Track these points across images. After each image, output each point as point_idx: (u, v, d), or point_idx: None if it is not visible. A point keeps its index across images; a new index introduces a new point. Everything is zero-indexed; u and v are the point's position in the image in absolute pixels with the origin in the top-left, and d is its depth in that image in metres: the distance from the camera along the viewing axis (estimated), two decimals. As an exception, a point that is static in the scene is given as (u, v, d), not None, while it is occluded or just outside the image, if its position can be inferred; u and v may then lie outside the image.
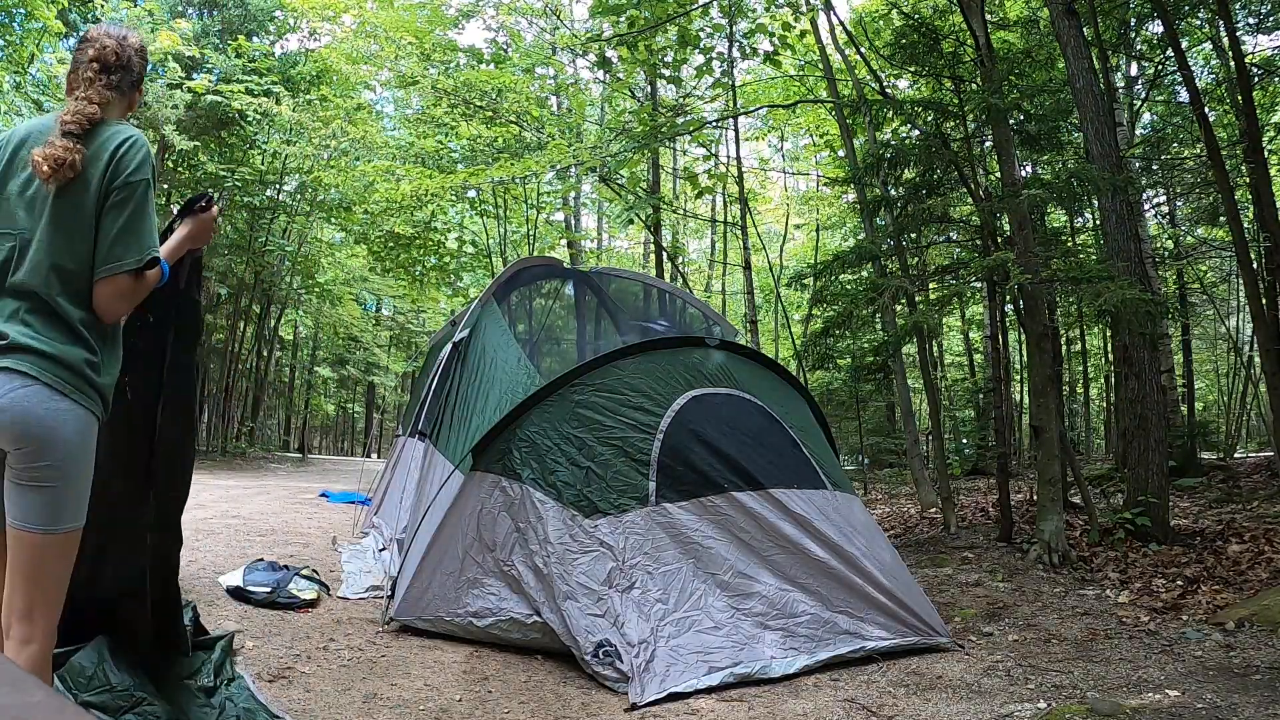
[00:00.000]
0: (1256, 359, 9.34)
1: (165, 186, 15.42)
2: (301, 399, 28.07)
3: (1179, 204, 11.49)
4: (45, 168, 1.68)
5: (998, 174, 6.71)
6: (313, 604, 3.92)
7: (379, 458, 25.14)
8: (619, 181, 12.00)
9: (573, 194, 17.16)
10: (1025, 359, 9.07)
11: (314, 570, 4.34)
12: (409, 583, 3.61)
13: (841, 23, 9.51)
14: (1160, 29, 8.11)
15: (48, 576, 1.67)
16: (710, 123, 11.09)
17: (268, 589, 3.89)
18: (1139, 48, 9.39)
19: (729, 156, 13.96)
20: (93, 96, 1.82)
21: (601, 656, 3.07)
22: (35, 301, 1.69)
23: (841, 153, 12.55)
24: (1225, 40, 7.58)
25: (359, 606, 4.06)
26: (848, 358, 8.19)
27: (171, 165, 15.25)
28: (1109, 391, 13.34)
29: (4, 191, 1.77)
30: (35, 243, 1.71)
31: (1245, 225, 6.95)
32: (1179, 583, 4.57)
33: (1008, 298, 6.76)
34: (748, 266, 10.71)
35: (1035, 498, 6.44)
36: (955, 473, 12.00)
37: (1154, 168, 9.60)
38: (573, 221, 18.40)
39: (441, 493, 3.75)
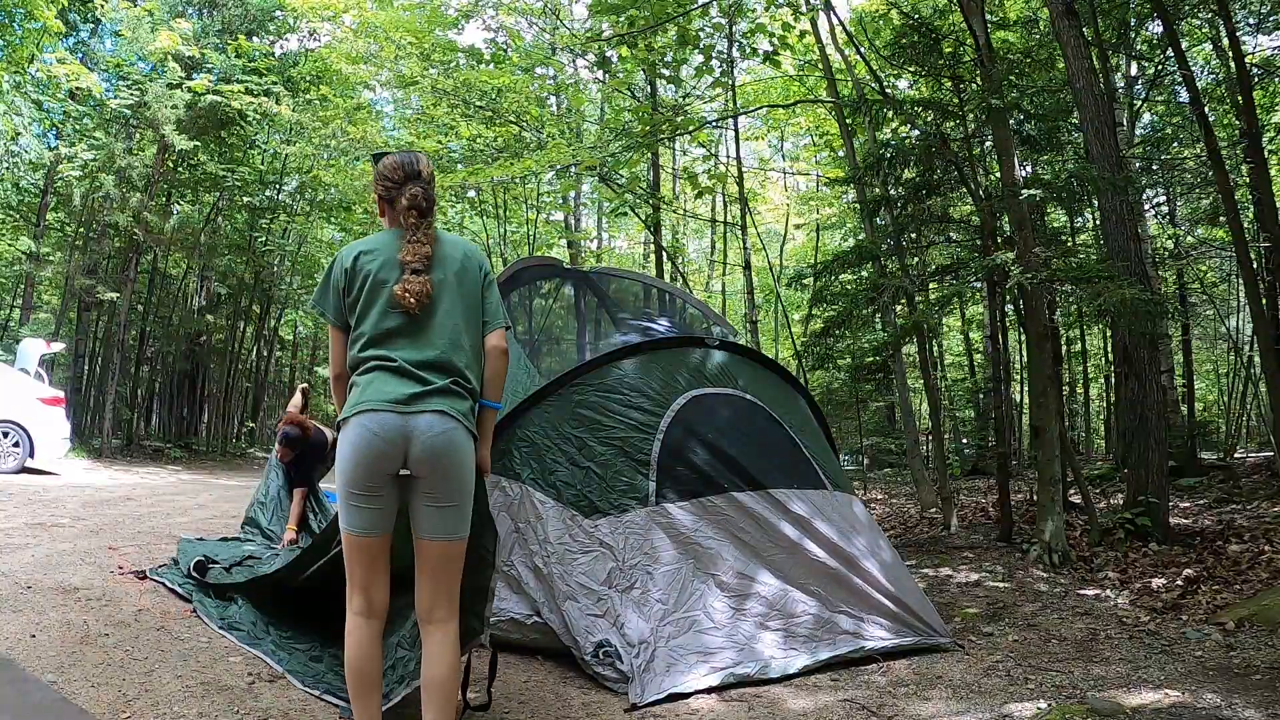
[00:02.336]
0: (1256, 359, 9.34)
1: (165, 186, 15.42)
2: (301, 399, 27.99)
3: (1179, 204, 11.48)
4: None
5: (998, 174, 6.71)
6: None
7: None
8: (619, 181, 12.00)
9: (573, 194, 17.15)
10: (1025, 359, 9.07)
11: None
12: (409, 583, 3.60)
13: (841, 23, 9.51)
14: (1160, 29, 8.10)
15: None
16: (710, 123, 11.09)
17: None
18: (1139, 48, 9.38)
19: (729, 156, 13.98)
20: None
21: (601, 657, 3.07)
22: None
23: (841, 153, 12.55)
24: (1225, 40, 7.57)
25: (359, 606, 4.05)
26: (848, 358, 8.19)
27: (171, 165, 15.24)
28: (1109, 391, 13.34)
29: None
30: None
31: (1245, 225, 6.95)
32: (1179, 583, 4.57)
33: (1008, 298, 6.76)
34: (748, 266, 10.71)
35: (1035, 498, 6.44)
36: (955, 473, 12.00)
37: (1154, 168, 9.59)
38: (573, 221, 18.40)
39: (441, 493, 3.74)
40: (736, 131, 12.09)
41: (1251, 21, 8.20)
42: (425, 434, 2.10)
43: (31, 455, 9.16)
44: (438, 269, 2.24)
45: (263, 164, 17.97)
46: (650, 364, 3.79)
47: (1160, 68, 9.31)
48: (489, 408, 2.34)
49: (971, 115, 6.62)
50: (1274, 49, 9.99)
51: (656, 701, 2.90)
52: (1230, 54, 6.95)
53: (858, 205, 9.77)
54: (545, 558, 3.31)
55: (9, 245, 16.44)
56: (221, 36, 14.56)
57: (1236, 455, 10.44)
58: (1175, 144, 9.57)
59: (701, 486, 3.51)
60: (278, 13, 15.57)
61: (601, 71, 11.19)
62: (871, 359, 7.84)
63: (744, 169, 11.87)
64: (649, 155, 11.87)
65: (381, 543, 2.17)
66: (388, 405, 2.10)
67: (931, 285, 7.95)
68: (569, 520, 3.35)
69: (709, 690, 3.03)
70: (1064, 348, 11.81)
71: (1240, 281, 9.47)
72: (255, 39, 15.65)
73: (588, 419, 3.58)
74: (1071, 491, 6.71)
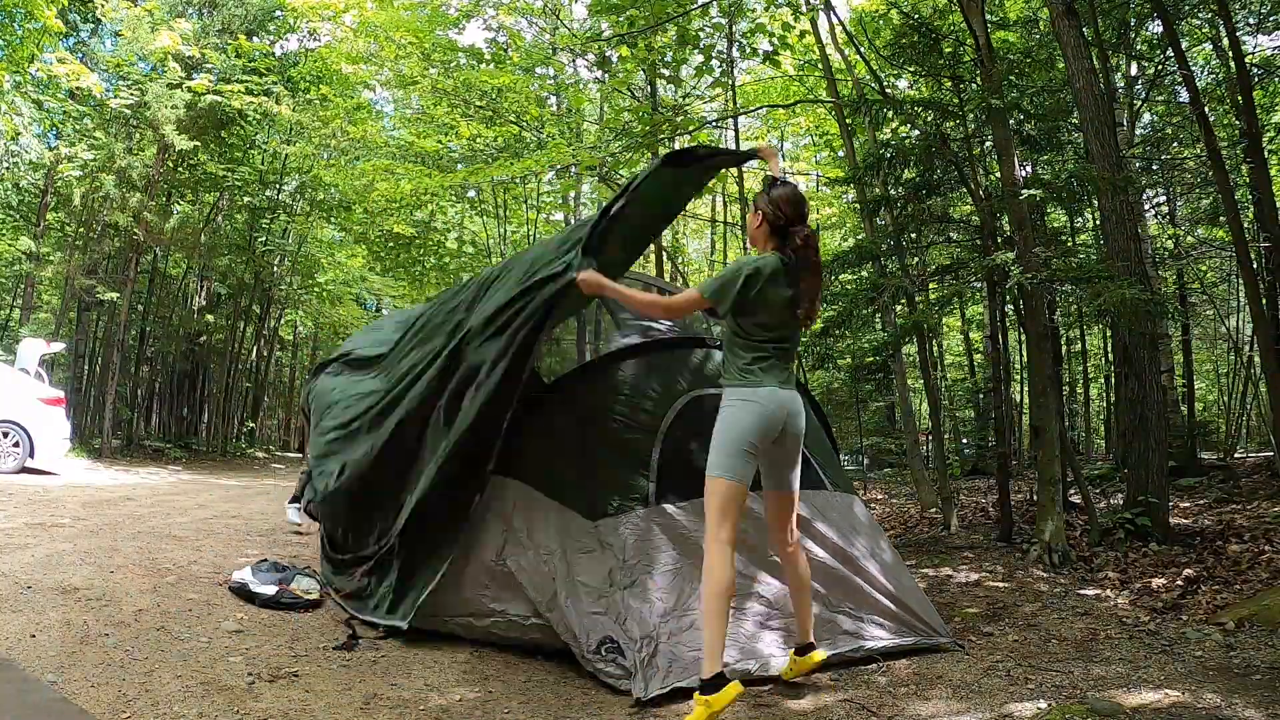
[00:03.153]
0: (1256, 359, 9.33)
1: (165, 186, 15.42)
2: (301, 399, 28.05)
3: (1179, 204, 11.47)
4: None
5: (998, 174, 6.71)
6: (316, 604, 3.92)
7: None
8: (619, 181, 12.00)
9: (572, 194, 17.16)
10: (1025, 359, 9.07)
11: (313, 570, 4.34)
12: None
13: (841, 23, 9.51)
14: (1160, 29, 8.10)
15: None
16: (710, 123, 11.09)
17: (273, 589, 3.89)
18: (1139, 48, 9.37)
19: (729, 156, 13.93)
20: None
21: (604, 653, 3.07)
22: None
23: (841, 153, 12.55)
24: (1225, 40, 7.57)
25: (359, 606, 4.05)
26: (848, 358, 8.18)
27: (171, 165, 15.24)
28: (1109, 391, 13.33)
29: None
30: None
31: (1245, 225, 6.94)
32: (1179, 583, 4.56)
33: (1008, 298, 6.75)
34: (748, 266, 10.69)
35: (1035, 498, 6.44)
36: (955, 473, 12.00)
37: (1154, 168, 9.59)
38: (572, 221, 18.40)
39: (442, 493, 3.74)
40: (736, 131, 12.11)
41: (1251, 21, 8.19)
42: (794, 408, 2.91)
43: (32, 455, 9.17)
44: None
45: (263, 164, 17.97)
46: (651, 364, 3.79)
47: (1160, 68, 9.30)
48: None
49: (971, 115, 6.61)
50: (1274, 49, 9.99)
51: (660, 696, 2.90)
52: (1230, 54, 6.95)
53: (858, 205, 9.76)
54: (547, 557, 3.32)
55: (9, 245, 16.45)
56: (221, 36, 14.56)
57: (1236, 455, 10.44)
58: (1175, 144, 9.56)
59: (702, 487, 3.51)
60: (278, 13, 15.56)
61: (601, 71, 11.20)
62: (871, 359, 7.84)
63: (744, 169, 11.87)
64: (649, 155, 11.88)
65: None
66: (777, 392, 2.85)
67: (931, 285, 7.94)
68: (570, 521, 3.36)
69: (709, 689, 3.03)
70: (1064, 348, 11.81)
71: (1240, 281, 9.46)
72: (255, 39, 15.65)
73: (589, 420, 3.58)
74: (1071, 491, 6.71)
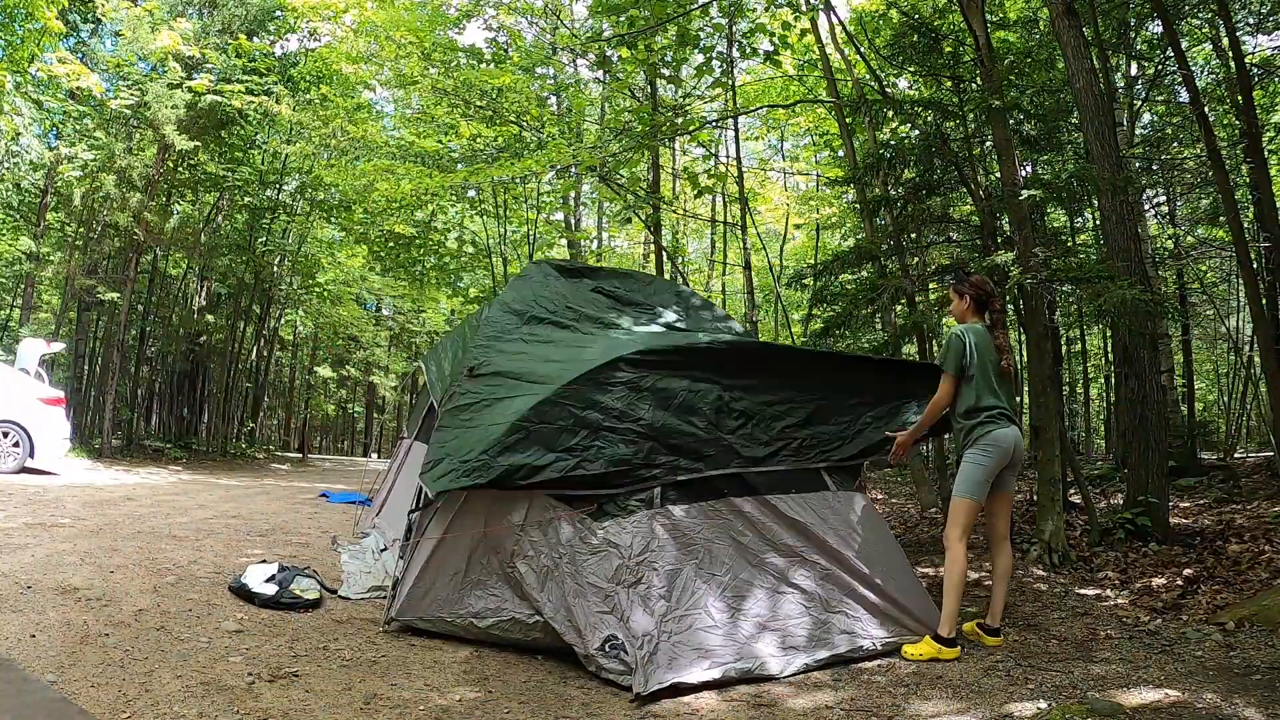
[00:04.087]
0: (1256, 359, 9.32)
1: (165, 186, 15.42)
2: (301, 399, 28.03)
3: (1179, 204, 11.46)
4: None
5: (998, 174, 6.70)
6: (316, 604, 3.93)
7: (380, 457, 25.12)
8: (619, 181, 12.01)
9: (572, 194, 17.16)
10: (1025, 359, 9.06)
11: (313, 570, 4.34)
12: (411, 583, 3.61)
13: (841, 22, 9.50)
14: (1160, 29, 8.10)
15: None
16: (710, 123, 11.09)
17: (273, 589, 3.90)
18: (1139, 48, 9.36)
19: (729, 156, 13.98)
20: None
21: (608, 650, 3.11)
22: None
23: (841, 153, 12.55)
24: (1225, 40, 7.57)
25: (360, 607, 4.06)
26: (848, 358, 8.13)
27: (171, 165, 15.24)
28: (1109, 391, 13.32)
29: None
30: None
31: (1245, 225, 6.94)
32: (1179, 583, 4.57)
33: (1008, 298, 6.75)
34: (748, 266, 10.71)
35: (1035, 498, 6.43)
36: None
37: (1154, 168, 9.58)
38: (573, 221, 18.40)
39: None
40: (736, 131, 12.11)
41: (1251, 21, 8.18)
42: (1018, 441, 3.68)
43: (32, 455, 9.16)
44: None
45: (263, 164, 17.96)
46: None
47: (1160, 68, 9.29)
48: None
49: (971, 115, 6.61)
50: (1274, 49, 9.97)
51: (658, 692, 2.90)
52: (1230, 54, 6.95)
53: (858, 205, 9.76)
54: (556, 558, 3.34)
55: (9, 245, 16.44)
56: (222, 36, 14.53)
57: (1236, 455, 10.43)
58: (1175, 144, 9.54)
59: (703, 490, 3.54)
60: (278, 13, 15.53)
61: (602, 71, 11.19)
62: (871, 359, 7.78)
63: (744, 169, 11.88)
64: (649, 155, 11.88)
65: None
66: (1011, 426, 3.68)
67: (931, 285, 7.94)
68: (578, 523, 3.38)
69: (710, 685, 3.03)
70: (1064, 348, 11.80)
71: (1240, 281, 9.45)
72: (255, 39, 15.62)
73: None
74: (1071, 491, 6.70)
